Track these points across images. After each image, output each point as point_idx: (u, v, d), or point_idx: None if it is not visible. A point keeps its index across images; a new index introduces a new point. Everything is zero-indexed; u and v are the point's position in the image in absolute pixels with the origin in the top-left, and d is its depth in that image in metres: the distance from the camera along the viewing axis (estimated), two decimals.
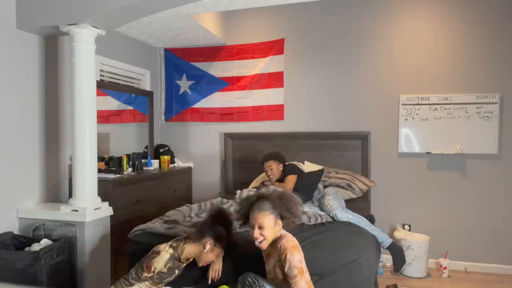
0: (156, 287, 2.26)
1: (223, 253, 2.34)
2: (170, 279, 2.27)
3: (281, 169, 3.71)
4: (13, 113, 2.86)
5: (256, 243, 2.11)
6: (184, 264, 2.30)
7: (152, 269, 2.14)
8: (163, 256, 2.17)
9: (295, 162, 3.93)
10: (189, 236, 2.28)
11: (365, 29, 4.23)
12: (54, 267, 2.55)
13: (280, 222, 2.13)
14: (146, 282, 2.22)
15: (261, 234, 2.09)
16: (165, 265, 2.18)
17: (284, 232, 2.16)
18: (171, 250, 2.21)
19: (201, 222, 2.40)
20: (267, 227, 2.09)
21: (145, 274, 2.15)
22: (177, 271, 2.28)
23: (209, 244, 2.21)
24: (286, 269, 2.00)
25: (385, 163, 4.20)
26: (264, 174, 4.05)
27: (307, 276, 2.09)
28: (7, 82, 2.81)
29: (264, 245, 2.11)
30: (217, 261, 2.38)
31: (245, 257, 2.43)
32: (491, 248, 3.95)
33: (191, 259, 2.31)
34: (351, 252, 2.41)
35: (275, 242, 2.13)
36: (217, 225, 2.28)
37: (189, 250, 2.24)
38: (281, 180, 3.69)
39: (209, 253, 2.24)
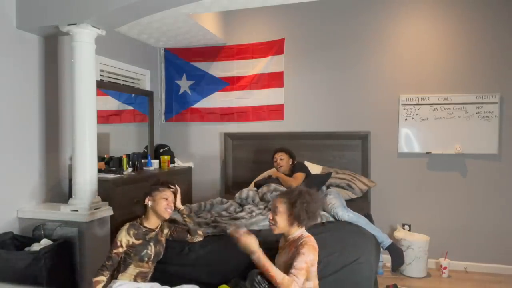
0: (142, 267, 2.30)
1: (176, 197, 2.49)
2: (149, 252, 2.30)
3: (290, 163, 3.72)
4: (13, 113, 2.86)
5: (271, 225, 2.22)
6: (154, 233, 2.38)
7: (118, 244, 2.23)
8: (123, 228, 2.30)
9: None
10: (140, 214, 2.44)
11: (365, 29, 4.23)
12: (54, 267, 2.54)
13: (292, 215, 2.12)
14: (131, 266, 2.27)
15: (273, 218, 2.17)
16: (129, 233, 2.27)
17: (307, 233, 2.17)
18: (129, 222, 2.35)
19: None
20: (280, 213, 2.15)
21: (114, 250, 2.23)
22: (152, 243, 2.33)
23: (147, 200, 2.37)
24: (295, 260, 2.01)
25: (385, 163, 4.20)
26: (265, 173, 4.05)
27: (315, 280, 2.11)
28: (7, 82, 2.81)
29: (275, 230, 2.18)
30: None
31: (249, 255, 2.43)
32: (491, 248, 3.95)
33: (160, 226, 2.43)
34: (351, 252, 2.41)
35: (294, 240, 2.14)
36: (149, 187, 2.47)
37: (148, 217, 2.39)
38: (287, 175, 3.68)
39: (156, 204, 2.35)
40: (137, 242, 2.28)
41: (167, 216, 2.40)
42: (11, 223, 2.84)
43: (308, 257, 2.02)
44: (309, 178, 3.61)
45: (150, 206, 2.36)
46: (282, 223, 2.15)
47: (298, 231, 2.16)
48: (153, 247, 2.34)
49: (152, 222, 2.39)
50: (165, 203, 2.37)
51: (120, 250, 2.24)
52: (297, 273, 1.97)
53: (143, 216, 2.40)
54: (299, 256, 2.01)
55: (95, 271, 2.24)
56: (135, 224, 2.34)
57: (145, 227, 2.36)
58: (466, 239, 4.01)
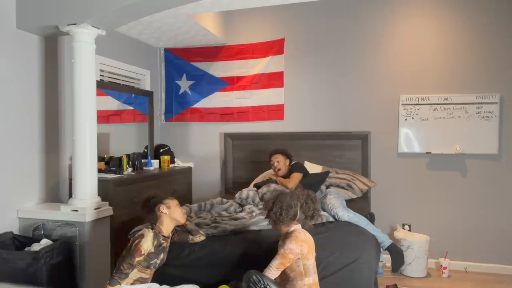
0: (144, 273, 2.29)
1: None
2: (158, 261, 2.31)
3: (287, 164, 3.72)
4: (13, 113, 2.86)
5: None
6: (165, 244, 2.39)
7: (142, 252, 2.22)
8: (148, 235, 2.27)
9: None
10: (150, 221, 2.40)
11: (365, 28, 4.23)
12: (54, 267, 2.55)
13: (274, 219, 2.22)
14: (134, 271, 2.26)
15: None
16: (153, 243, 2.27)
17: (298, 228, 2.20)
18: (151, 230, 2.33)
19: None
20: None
21: (137, 258, 2.21)
22: (162, 254, 2.34)
23: (163, 208, 2.35)
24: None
25: (385, 163, 4.20)
26: (264, 173, 4.05)
27: (314, 277, 2.13)
28: (7, 82, 2.81)
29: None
30: None
31: (249, 255, 2.45)
32: (491, 248, 3.95)
33: (171, 234, 2.45)
34: (351, 252, 2.41)
35: (284, 236, 2.19)
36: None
37: (163, 224, 2.36)
38: (285, 176, 3.69)
39: (173, 211, 2.37)
40: (153, 251, 2.28)
41: (183, 221, 2.44)
42: (11, 223, 2.84)
43: (289, 246, 2.07)
44: (307, 178, 3.61)
45: (167, 213, 2.35)
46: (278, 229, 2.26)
47: (291, 228, 2.19)
48: (162, 255, 2.34)
49: (167, 230, 2.39)
50: (179, 208, 2.41)
51: (142, 258, 2.23)
52: (274, 259, 2.08)
53: (158, 224, 2.36)
54: (281, 246, 2.11)
55: (96, 272, 2.24)
56: (157, 233, 2.32)
57: (162, 235, 2.36)
58: (466, 239, 4.01)
